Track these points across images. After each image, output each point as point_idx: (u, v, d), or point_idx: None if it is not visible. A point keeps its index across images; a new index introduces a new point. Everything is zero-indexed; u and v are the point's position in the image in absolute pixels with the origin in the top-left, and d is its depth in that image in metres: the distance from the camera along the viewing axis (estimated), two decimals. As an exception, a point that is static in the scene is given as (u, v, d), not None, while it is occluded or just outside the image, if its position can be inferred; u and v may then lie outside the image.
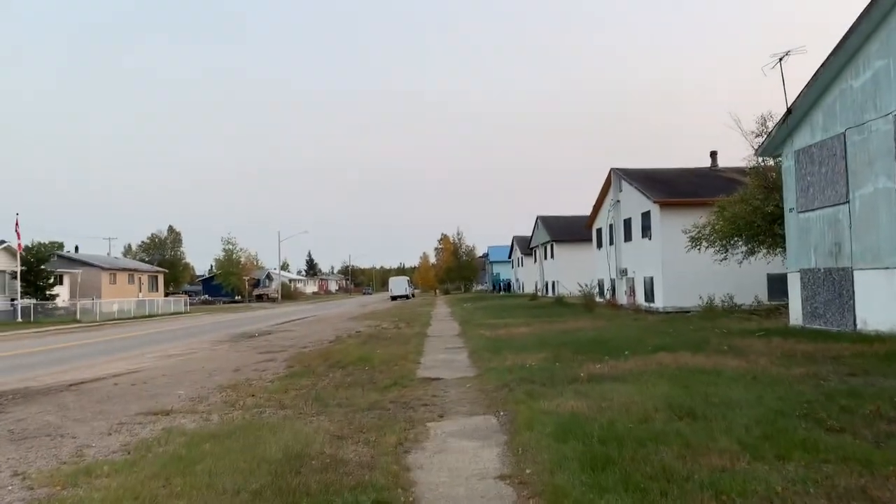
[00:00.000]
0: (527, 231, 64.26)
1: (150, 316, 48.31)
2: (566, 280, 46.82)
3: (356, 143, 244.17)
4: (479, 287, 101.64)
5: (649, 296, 28.82)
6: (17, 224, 41.37)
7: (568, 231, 50.33)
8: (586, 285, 32.00)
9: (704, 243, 22.95)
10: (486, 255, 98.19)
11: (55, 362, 17.25)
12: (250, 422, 8.08)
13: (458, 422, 7.97)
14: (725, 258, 22.98)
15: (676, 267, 26.69)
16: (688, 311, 24.58)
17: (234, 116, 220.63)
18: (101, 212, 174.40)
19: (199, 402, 10.01)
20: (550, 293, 51.20)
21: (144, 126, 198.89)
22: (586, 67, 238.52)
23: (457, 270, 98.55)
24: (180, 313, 53.06)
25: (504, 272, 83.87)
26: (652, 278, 28.51)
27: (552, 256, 52.52)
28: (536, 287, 55.87)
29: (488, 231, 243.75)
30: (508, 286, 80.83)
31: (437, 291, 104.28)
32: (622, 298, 32.09)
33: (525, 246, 64.91)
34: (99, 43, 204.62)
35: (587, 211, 39.21)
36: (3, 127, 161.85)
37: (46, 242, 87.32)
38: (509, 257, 78.03)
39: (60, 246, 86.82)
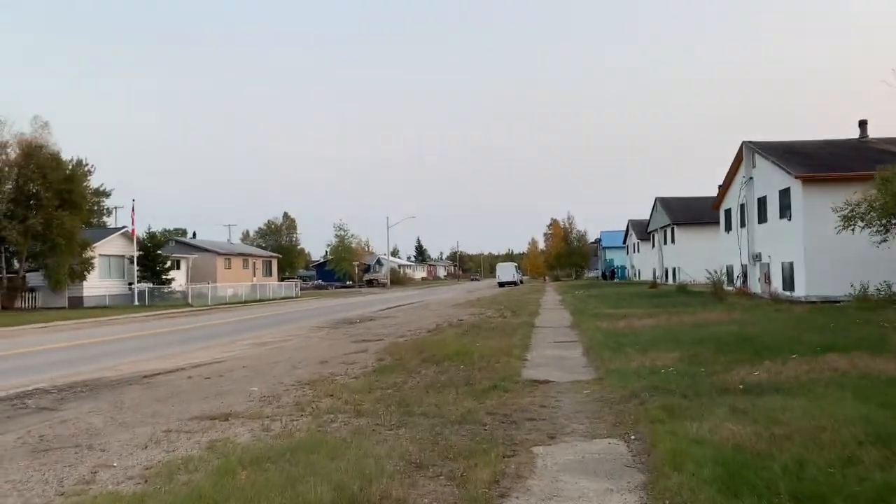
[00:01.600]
0: (644, 214, 60.71)
1: (261, 300, 48.78)
2: (688, 266, 43.42)
3: (465, 129, 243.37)
4: (591, 274, 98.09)
5: (788, 283, 25.55)
6: (132, 210, 42.60)
7: (690, 213, 46.74)
8: (714, 272, 28.94)
9: (860, 223, 19.69)
10: (598, 241, 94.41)
11: (145, 349, 16.58)
12: (312, 437, 6.49)
13: (575, 447, 6.06)
14: (885, 240, 19.66)
15: (822, 250, 23.37)
16: (837, 301, 21.36)
17: (344, 107, 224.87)
18: (223, 200, 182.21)
19: (269, 403, 8.60)
20: (671, 280, 47.84)
21: (261, 119, 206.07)
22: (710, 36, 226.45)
23: (567, 256, 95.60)
24: (291, 298, 53.46)
25: (618, 258, 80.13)
26: (791, 263, 25.23)
27: (672, 241, 49.04)
28: (654, 274, 52.50)
29: (601, 215, 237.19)
30: (614, 273, 77.27)
31: (547, 278, 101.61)
32: (755, 286, 28.84)
33: (642, 230, 61.36)
34: (220, 38, 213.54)
35: (711, 191, 35.88)
36: (139, 122, 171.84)
37: (171, 229, 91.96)
38: (624, 242, 74.32)
39: (184, 232, 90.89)
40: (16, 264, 38.07)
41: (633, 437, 6.26)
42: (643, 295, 32.65)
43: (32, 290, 38.93)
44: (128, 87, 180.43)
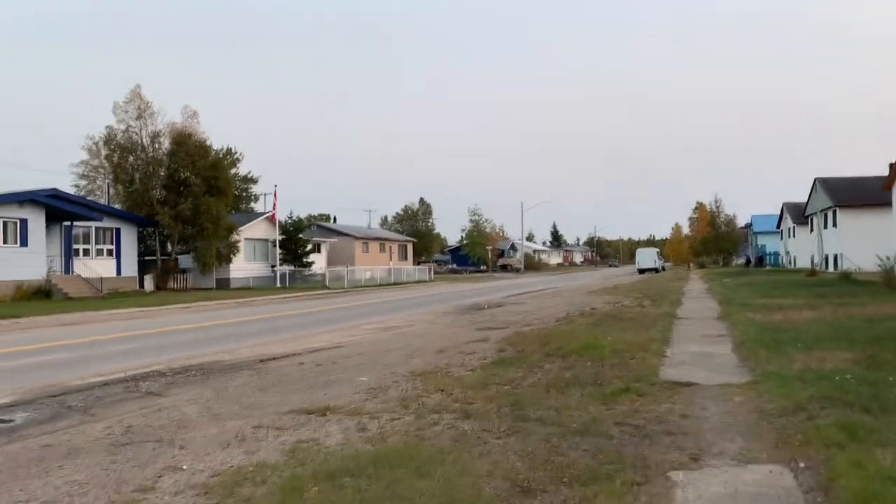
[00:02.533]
0: (801, 196, 55.76)
1: (395, 284, 49.25)
2: (853, 252, 39.21)
3: (603, 110, 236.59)
4: (740, 261, 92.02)
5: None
6: (275, 196, 44.10)
7: (855, 194, 42.21)
8: (887, 258, 25.60)
9: None
10: (748, 226, 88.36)
11: (272, 332, 16.57)
12: (406, 444, 5.64)
13: (725, 475, 4.81)
14: None
15: None
16: None
17: (481, 94, 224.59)
18: (365, 186, 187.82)
19: (374, 397, 7.88)
20: (831, 268, 43.52)
21: (403, 109, 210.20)
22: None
23: (713, 242, 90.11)
24: (424, 282, 53.67)
25: (771, 244, 74.46)
26: None
27: (834, 224, 44.57)
28: (812, 261, 48.06)
29: (753, 198, 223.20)
30: (761, 260, 71.89)
31: (691, 265, 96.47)
32: (937, 276, 25.23)
33: (798, 214, 56.44)
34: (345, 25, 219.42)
35: (880, 169, 31.94)
36: (286, 114, 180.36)
37: (316, 214, 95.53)
38: (777, 227, 68.89)
39: (327, 217, 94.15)
40: (169, 247, 40.42)
41: (802, 465, 4.91)
42: (800, 284, 29.62)
43: (184, 271, 41.20)
44: (273, 83, 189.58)
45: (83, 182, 51.79)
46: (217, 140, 64.85)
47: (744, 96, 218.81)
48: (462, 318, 19.17)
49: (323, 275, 47.61)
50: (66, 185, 49.35)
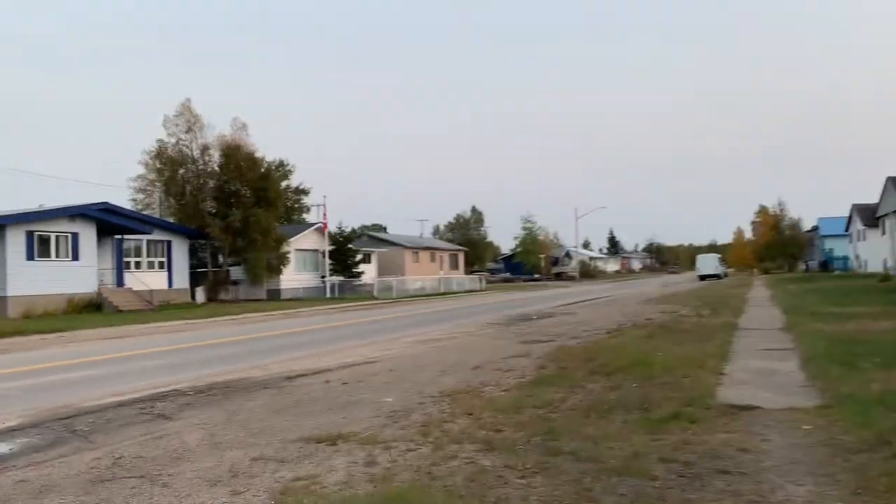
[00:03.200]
0: (872, 198, 52.90)
1: (445, 294, 48.57)
2: (930, 256, 36.82)
3: (662, 113, 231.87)
4: (805, 265, 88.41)
5: None
6: (324, 207, 44.02)
7: (932, 194, 39.69)
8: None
9: None
10: (815, 229, 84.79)
11: (309, 345, 16.04)
12: (413, 486, 4.90)
13: (794, 535, 3.91)
14: None
15: None
16: None
17: (531, 102, 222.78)
18: (419, 198, 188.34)
19: (394, 422, 7.17)
20: (906, 273, 40.96)
21: (452, 117, 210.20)
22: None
23: (778, 247, 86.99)
24: (475, 291, 52.85)
25: (839, 248, 71.10)
26: None
27: (908, 227, 42.04)
28: (885, 265, 45.46)
29: (819, 201, 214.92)
30: (825, 264, 68.81)
31: (755, 271, 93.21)
32: None
33: (869, 216, 53.54)
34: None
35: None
36: (342, 127, 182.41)
37: (369, 224, 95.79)
38: (846, 230, 65.73)
39: (380, 228, 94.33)
40: (220, 259, 40.67)
41: (894, 524, 3.98)
42: (873, 290, 27.77)
43: (235, 282, 41.41)
44: (327, 95, 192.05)
45: (140, 196, 52.86)
46: (270, 153, 65.43)
47: (807, 94, 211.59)
48: (507, 329, 18.32)
49: (374, 285, 47.34)
50: (124, 199, 50.43)
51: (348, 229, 49.93)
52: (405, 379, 10.04)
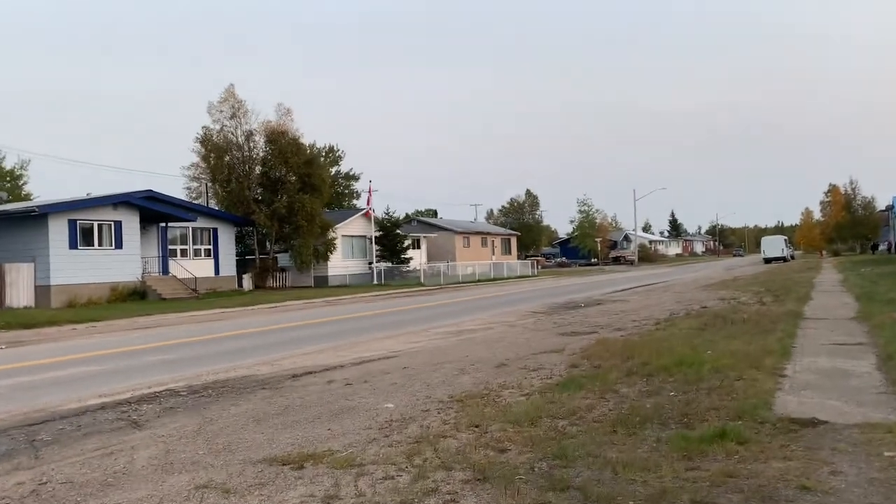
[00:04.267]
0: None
1: (495, 279, 47.38)
2: None
3: (727, 90, 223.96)
4: (882, 247, 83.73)
5: None
6: (369, 192, 43.27)
7: None
8: None
9: None
10: (890, 208, 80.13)
11: (334, 336, 15.14)
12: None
13: None
14: None
15: None
16: None
17: (591, 84, 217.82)
18: (474, 183, 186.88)
19: (385, 436, 6.15)
20: None
21: (509, 101, 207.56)
22: None
23: (849, 227, 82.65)
24: (527, 277, 51.52)
25: (916, 228, 67.01)
26: None
27: None
28: (969, 246, 42.18)
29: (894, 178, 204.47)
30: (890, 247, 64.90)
31: (823, 253, 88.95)
32: None
33: (950, 193, 49.92)
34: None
35: None
36: (399, 113, 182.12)
37: (423, 210, 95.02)
38: (925, 209, 61.79)
39: (432, 213, 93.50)
40: (267, 246, 40.36)
41: None
42: (959, 274, 25.41)
43: (283, 269, 41.09)
44: (381, 80, 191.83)
45: (194, 184, 53.22)
46: (322, 138, 65.11)
47: (878, 65, 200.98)
48: (548, 319, 17.09)
49: (425, 271, 46.48)
50: (179, 188, 50.78)
51: (398, 215, 49.04)
52: (417, 379, 8.98)
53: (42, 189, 55.90)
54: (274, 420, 6.99)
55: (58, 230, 27.39)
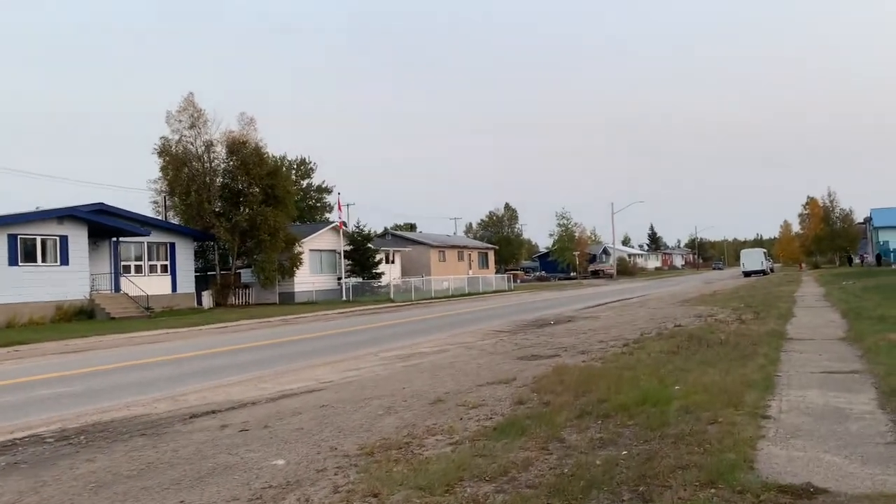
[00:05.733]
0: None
1: (470, 294, 45.90)
2: None
3: (703, 105, 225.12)
4: (857, 259, 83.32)
5: None
6: (338, 204, 41.76)
7: None
8: None
9: None
10: (867, 220, 79.82)
11: (262, 364, 13.54)
12: None
13: None
14: None
15: None
16: None
17: (570, 95, 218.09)
18: (450, 195, 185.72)
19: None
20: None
21: (492, 114, 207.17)
22: None
23: (828, 240, 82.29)
24: (502, 291, 50.08)
25: (894, 240, 66.51)
26: None
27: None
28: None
29: (871, 191, 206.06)
30: (879, 258, 64.20)
31: (803, 265, 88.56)
32: None
33: (929, 204, 49.27)
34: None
35: None
36: (370, 124, 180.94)
37: (402, 224, 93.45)
38: (903, 221, 61.23)
39: (410, 227, 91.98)
40: (230, 261, 38.64)
41: None
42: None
43: (246, 286, 39.37)
44: (360, 94, 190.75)
45: (161, 198, 51.33)
46: (296, 151, 63.51)
47: (857, 84, 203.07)
48: (510, 339, 15.63)
49: (398, 286, 44.92)
50: (146, 202, 48.82)
51: (374, 229, 47.42)
52: (331, 422, 7.47)
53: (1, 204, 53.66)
54: (120, 486, 5.45)
55: (-4, 245, 25.61)
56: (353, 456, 6.02)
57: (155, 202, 51.99)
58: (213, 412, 8.47)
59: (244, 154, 36.44)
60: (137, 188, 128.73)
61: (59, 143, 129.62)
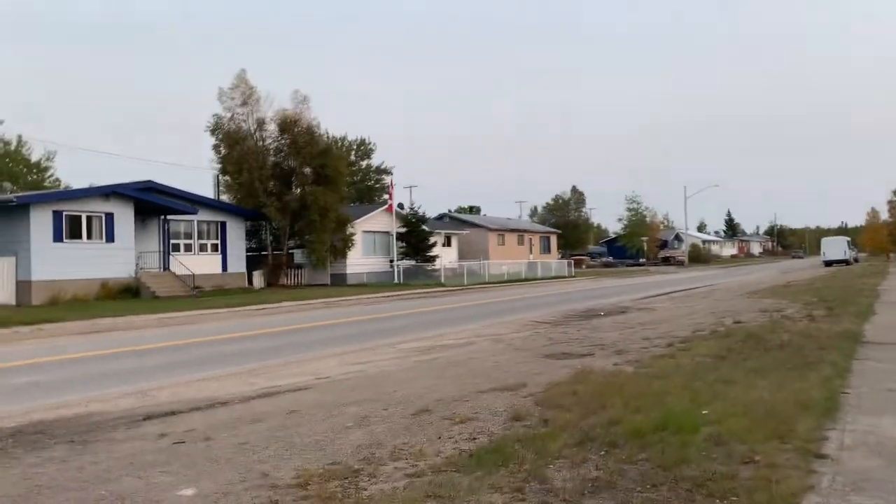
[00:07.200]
0: None
1: (526, 280, 44.32)
2: None
3: (786, 87, 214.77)
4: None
5: None
6: (391, 185, 40.69)
7: None
8: None
9: None
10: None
11: (267, 353, 12.56)
12: None
13: None
14: None
15: None
16: None
17: (640, 73, 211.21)
18: (520, 177, 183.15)
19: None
20: None
21: (556, 97, 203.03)
22: None
23: (921, 228, 76.71)
24: (562, 277, 48.26)
25: None
26: None
27: None
28: None
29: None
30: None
31: (891, 255, 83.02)
32: None
33: None
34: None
35: None
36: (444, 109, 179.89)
37: (466, 207, 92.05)
38: None
39: (474, 210, 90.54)
40: (282, 241, 38.18)
41: None
42: None
43: (299, 267, 38.88)
44: (431, 77, 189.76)
45: (226, 178, 51.45)
46: (361, 133, 62.86)
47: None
48: (547, 333, 14.19)
49: (454, 269, 43.74)
50: (208, 182, 48.96)
51: (423, 211, 46.01)
52: (284, 437, 6.26)
53: (72, 182, 54.87)
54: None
55: (41, 222, 25.55)
56: (282, 488, 4.82)
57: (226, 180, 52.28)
58: (172, 413, 7.43)
59: (295, 133, 35.74)
60: (199, 168, 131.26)
61: (134, 125, 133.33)
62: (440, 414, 6.87)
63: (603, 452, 5.25)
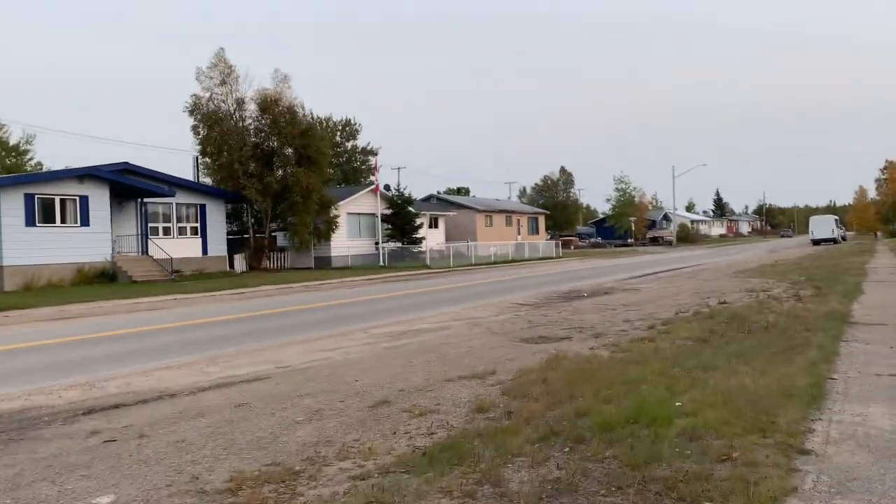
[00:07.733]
0: None
1: (514, 261, 43.88)
2: None
3: (771, 67, 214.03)
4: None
5: None
6: (375, 166, 40.02)
7: None
8: None
9: None
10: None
11: (233, 339, 11.98)
12: None
13: None
14: None
15: None
16: None
17: (631, 51, 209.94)
18: (508, 159, 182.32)
19: None
20: None
21: (548, 76, 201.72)
22: None
23: (908, 206, 76.75)
24: (549, 258, 47.85)
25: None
26: None
27: None
28: None
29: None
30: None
31: (879, 234, 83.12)
32: None
33: None
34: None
35: None
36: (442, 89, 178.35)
37: (455, 189, 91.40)
38: None
39: (463, 191, 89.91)
40: (264, 224, 37.52)
41: None
42: None
43: (282, 250, 38.26)
44: (426, 65, 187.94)
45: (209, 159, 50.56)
46: (339, 111, 61.90)
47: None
48: (527, 315, 13.73)
49: (441, 252, 43.23)
50: (188, 164, 48.09)
51: (408, 192, 45.09)
52: (226, 433, 5.77)
53: (55, 166, 53.76)
54: None
55: (12, 205, 24.79)
56: (210, 494, 4.34)
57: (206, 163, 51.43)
58: (116, 406, 6.93)
59: (276, 113, 34.98)
60: (183, 150, 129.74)
61: (112, 107, 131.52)
62: (400, 406, 6.39)
63: (567, 449, 4.79)
